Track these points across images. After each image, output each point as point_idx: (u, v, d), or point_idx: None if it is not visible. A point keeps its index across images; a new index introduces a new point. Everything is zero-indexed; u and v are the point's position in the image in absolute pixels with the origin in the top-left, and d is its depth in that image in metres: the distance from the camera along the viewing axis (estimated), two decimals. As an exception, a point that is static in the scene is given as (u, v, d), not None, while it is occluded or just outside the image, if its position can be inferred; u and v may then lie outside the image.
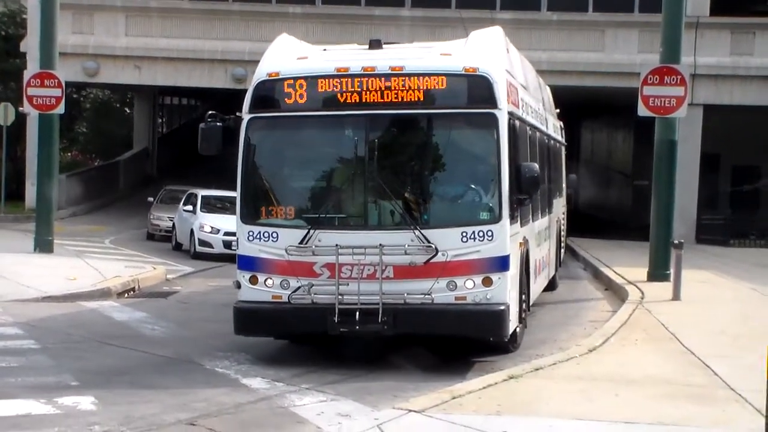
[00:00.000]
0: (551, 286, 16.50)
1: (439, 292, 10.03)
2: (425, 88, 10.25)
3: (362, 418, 8.03)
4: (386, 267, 10.03)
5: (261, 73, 10.59)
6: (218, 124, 10.99)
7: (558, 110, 18.69)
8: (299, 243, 10.15)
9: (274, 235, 10.33)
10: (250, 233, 10.43)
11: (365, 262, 10.06)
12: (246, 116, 10.59)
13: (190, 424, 8.01)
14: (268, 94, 10.57)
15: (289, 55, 10.92)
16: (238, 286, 10.50)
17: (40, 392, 8.88)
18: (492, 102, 10.23)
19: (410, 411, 7.94)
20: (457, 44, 11.03)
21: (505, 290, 10.15)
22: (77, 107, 38.73)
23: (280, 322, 10.41)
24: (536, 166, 10.76)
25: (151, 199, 27.40)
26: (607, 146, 41.92)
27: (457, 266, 10.05)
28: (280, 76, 10.47)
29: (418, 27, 28.37)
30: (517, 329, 11.10)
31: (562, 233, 18.71)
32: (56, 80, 20.13)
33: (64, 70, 22.12)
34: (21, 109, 23.88)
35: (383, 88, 10.27)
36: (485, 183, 10.37)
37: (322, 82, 10.39)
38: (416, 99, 10.27)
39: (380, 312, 9.94)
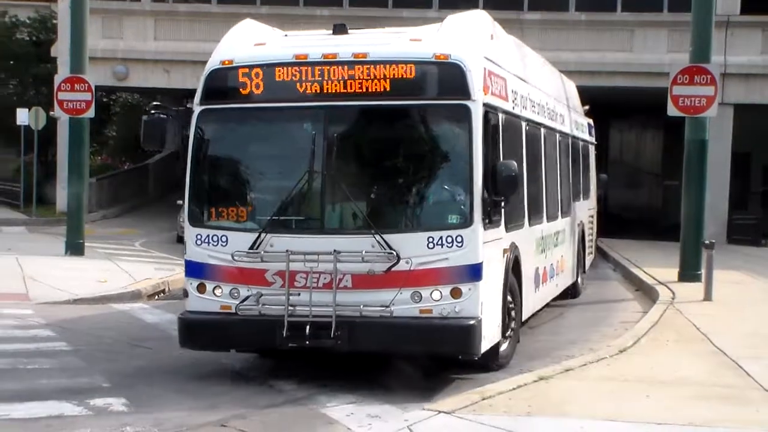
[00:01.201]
0: (572, 293, 15.86)
1: (402, 303, 9.04)
2: (392, 77, 9.22)
3: (392, 419, 8.04)
4: (344, 276, 9.10)
5: (214, 61, 9.75)
6: (162, 116, 10.16)
7: (587, 107, 18.56)
8: (249, 248, 9.27)
9: (224, 238, 9.46)
10: (198, 237, 9.57)
11: (318, 270, 9.13)
12: (197, 108, 9.74)
13: (221, 425, 8.03)
14: (221, 84, 9.69)
15: (246, 42, 10.00)
16: (186, 294, 9.68)
17: (71, 394, 8.94)
18: (464, 92, 9.16)
19: (440, 412, 7.94)
20: (430, 29, 9.98)
21: (477, 302, 9.07)
22: (107, 111, 39.03)
23: (227, 335, 9.52)
24: (514, 164, 9.43)
25: (180, 201, 27.45)
26: (636, 146, 41.73)
27: (423, 275, 9.05)
28: (234, 64, 9.61)
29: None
30: (502, 345, 10.20)
31: (589, 237, 17.69)
32: (86, 84, 20.26)
33: (94, 75, 22.30)
34: (52, 113, 24.09)
35: (346, 78, 9.29)
36: (455, 183, 9.29)
37: (279, 70, 9.45)
38: (382, 89, 9.24)
39: (333, 326, 9.01)
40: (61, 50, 28.41)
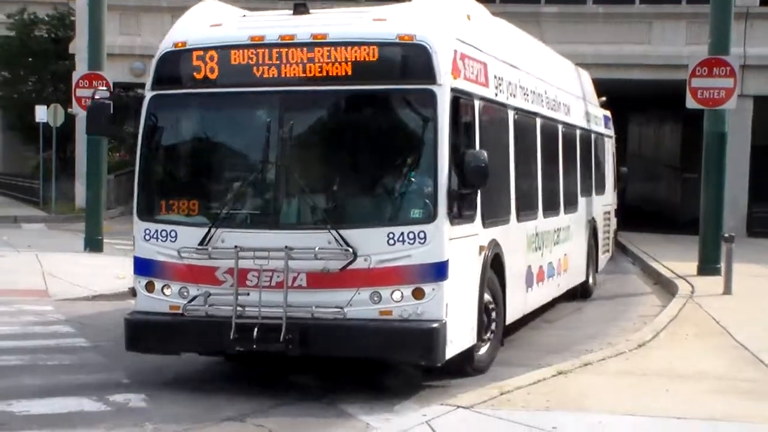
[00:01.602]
0: (583, 292, 15.25)
1: (360, 304, 8.43)
2: (353, 59, 8.55)
3: (410, 415, 8.01)
4: (298, 274, 8.50)
5: (166, 43, 9.14)
6: (107, 101, 9.46)
7: (603, 99, 18.46)
8: (198, 244, 8.70)
9: (173, 234, 8.88)
10: (147, 232, 9.00)
11: (269, 268, 8.53)
12: (147, 93, 9.17)
13: (240, 421, 8.04)
14: (174, 68, 9.07)
15: (202, 23, 9.34)
16: (134, 293, 9.19)
17: (91, 390, 8.97)
18: (429, 76, 8.47)
19: (458, 407, 7.92)
20: (397, 8, 9.17)
21: (441, 304, 8.41)
22: (125, 108, 39.09)
23: (174, 337, 8.96)
24: (484, 154, 8.64)
25: None
26: (655, 139, 41.57)
27: (383, 274, 8.42)
28: (188, 47, 8.99)
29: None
30: (481, 348, 9.68)
31: (605, 235, 16.91)
32: (104, 81, 20.37)
33: (112, 71, 22.41)
34: (70, 110, 24.21)
35: (305, 61, 8.63)
36: (419, 175, 8.63)
37: (235, 53, 8.81)
38: (343, 73, 8.58)
39: (283, 328, 8.38)
40: (79, 47, 28.49)
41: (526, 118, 11.44)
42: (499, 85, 10.31)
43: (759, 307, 13.70)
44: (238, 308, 8.56)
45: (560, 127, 13.32)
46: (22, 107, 35.33)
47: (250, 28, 9.08)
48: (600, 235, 16.35)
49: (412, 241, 8.40)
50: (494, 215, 9.98)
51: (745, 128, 26.52)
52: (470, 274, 9.23)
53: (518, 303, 11.11)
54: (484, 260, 9.56)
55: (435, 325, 8.39)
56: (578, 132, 14.63)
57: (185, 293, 8.85)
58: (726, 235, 15.40)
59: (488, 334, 9.89)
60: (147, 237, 9.03)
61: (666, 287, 16.39)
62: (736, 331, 11.39)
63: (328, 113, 9.08)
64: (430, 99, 8.50)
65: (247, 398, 8.79)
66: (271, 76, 8.76)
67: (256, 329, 8.45)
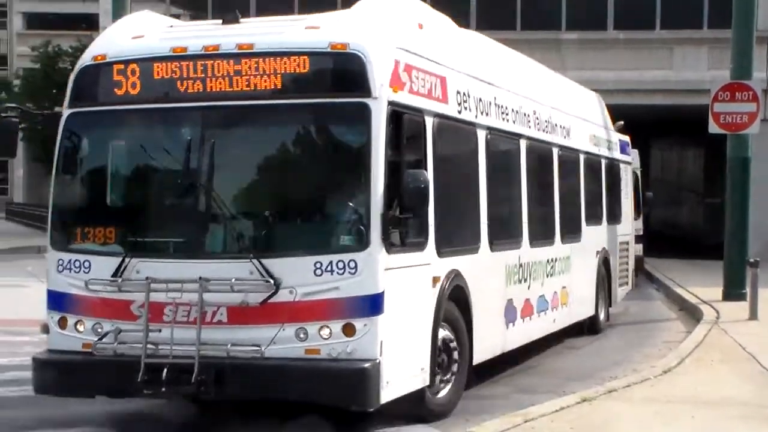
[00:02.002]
0: (591, 327, 14.40)
1: (285, 342, 7.65)
2: (283, 71, 7.81)
3: None
4: (218, 309, 7.74)
5: (86, 57, 8.43)
6: (14, 119, 8.97)
7: (621, 122, 18.37)
8: (112, 275, 7.96)
9: (86, 264, 8.11)
10: (60, 262, 8.25)
11: (182, 301, 7.76)
12: (65, 111, 8.47)
13: None
14: (93, 84, 8.36)
15: (125, 34, 8.55)
16: (46, 330, 8.46)
17: (114, 422, 8.86)
18: (363, 88, 7.68)
19: None
20: (335, 15, 8.44)
21: (374, 341, 7.55)
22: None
23: (85, 379, 8.12)
24: (423, 174, 7.80)
25: None
26: (677, 164, 41.53)
27: (309, 308, 7.63)
28: (108, 60, 8.25)
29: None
30: (440, 391, 8.87)
31: (622, 267, 16.18)
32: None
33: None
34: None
35: (231, 74, 7.91)
36: (350, 197, 7.80)
37: (158, 66, 8.07)
38: (272, 87, 7.85)
39: (196, 369, 7.56)
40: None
41: (504, 139, 10.65)
42: (465, 101, 9.48)
43: (786, 333, 13.58)
44: (150, 347, 7.76)
45: (556, 150, 12.48)
46: (46, 139, 35.71)
47: (174, 39, 8.33)
48: (614, 267, 15.49)
49: (341, 272, 7.57)
50: (455, 243, 9.16)
51: (769, 153, 26.40)
52: (419, 309, 8.35)
53: (493, 340, 10.19)
54: (439, 293, 8.65)
55: (366, 365, 7.51)
56: (582, 156, 13.78)
57: (99, 329, 8.07)
58: (751, 260, 15.33)
59: (448, 375, 8.98)
60: (60, 268, 8.28)
61: (691, 313, 16.31)
62: (762, 357, 11.30)
63: (254, 131, 8.25)
64: (364, 113, 7.68)
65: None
66: (195, 90, 8.02)
67: (165, 370, 7.63)
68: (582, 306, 13.76)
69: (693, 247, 29.97)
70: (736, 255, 16.83)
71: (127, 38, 8.46)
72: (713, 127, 16.95)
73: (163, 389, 7.68)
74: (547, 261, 12.01)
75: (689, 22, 28.08)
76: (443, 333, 8.80)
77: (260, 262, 7.64)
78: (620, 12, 28.42)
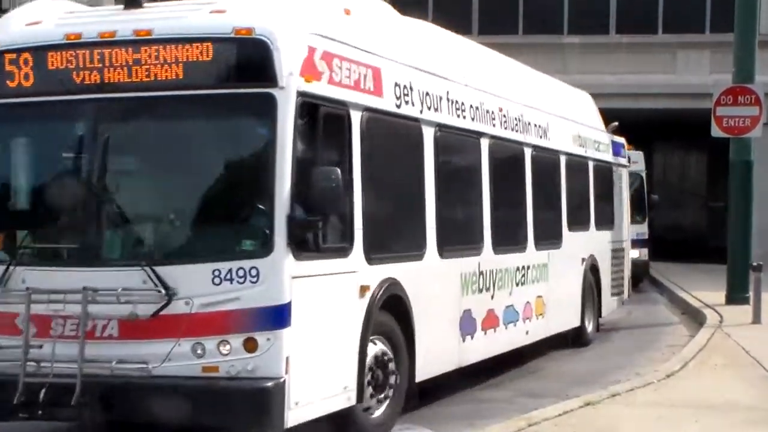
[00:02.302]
0: (576, 340, 13.67)
1: (181, 359, 6.91)
2: (184, 59, 7.09)
3: None
4: (108, 322, 6.99)
5: None
6: None
7: (616, 124, 18.21)
8: None
9: None
10: None
11: (65, 314, 7.01)
12: None
13: None
14: None
15: (20, 20, 7.81)
16: None
17: None
18: (269, 77, 6.96)
19: None
20: None
21: (279, 357, 6.81)
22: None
23: None
24: (336, 172, 6.99)
25: None
26: (680, 168, 41.59)
27: (207, 321, 6.90)
28: (0, 49, 7.52)
29: (486, 53, 28.53)
30: (374, 411, 8.12)
31: (614, 274, 15.32)
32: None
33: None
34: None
35: (130, 63, 7.17)
36: (254, 197, 7.08)
37: (52, 55, 7.33)
38: (173, 76, 7.11)
39: (77, 389, 6.79)
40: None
41: (459, 137, 9.96)
42: (406, 95, 8.78)
43: (789, 337, 13.60)
44: (32, 364, 7.00)
45: (529, 150, 11.74)
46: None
47: (69, 24, 7.55)
48: (605, 275, 14.69)
49: (242, 280, 6.85)
50: (392, 249, 8.50)
51: (772, 157, 26.46)
52: (341, 321, 7.61)
53: (443, 354, 9.47)
54: (369, 304, 7.91)
55: (269, 384, 6.76)
56: (563, 158, 12.99)
57: None
58: (754, 264, 15.38)
59: (385, 392, 8.24)
60: None
61: (694, 317, 16.35)
62: (766, 361, 11.28)
63: (152, 126, 7.52)
64: (269, 105, 6.97)
65: None
66: (92, 82, 7.28)
67: (43, 390, 6.86)
68: (564, 316, 13.00)
69: (696, 251, 30.04)
70: (740, 259, 16.85)
71: (21, 25, 7.70)
72: (716, 131, 16.99)
73: (40, 411, 6.93)
74: (517, 269, 11.24)
75: (691, 26, 28.15)
76: (376, 347, 8.08)
77: (153, 270, 6.91)
78: (622, 16, 28.50)
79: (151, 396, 6.90)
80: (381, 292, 8.08)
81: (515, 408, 9.46)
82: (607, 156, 15.30)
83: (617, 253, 15.49)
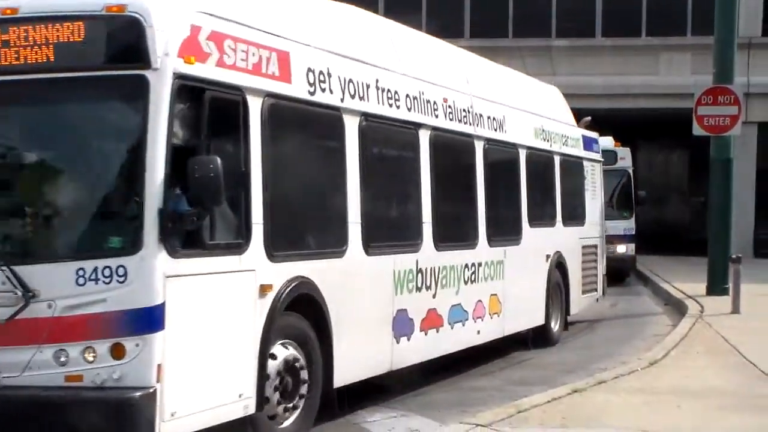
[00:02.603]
0: (539, 340, 12.98)
1: (42, 367, 6.22)
2: (55, 40, 6.44)
3: None
4: None
5: None
6: None
7: (589, 118, 17.94)
8: None
9: None
10: None
11: None
12: None
13: None
14: None
15: None
16: None
17: None
18: (142, 58, 6.32)
19: (477, 425, 7.93)
20: None
21: (149, 365, 6.13)
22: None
23: None
24: (216, 161, 6.31)
25: None
26: (663, 165, 41.87)
27: (71, 325, 6.22)
28: None
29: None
30: (283, 420, 7.53)
31: (585, 271, 14.59)
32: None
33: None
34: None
35: None
36: (121, 189, 6.48)
37: None
38: (43, 59, 6.47)
39: None
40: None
41: (390, 128, 9.24)
42: (322, 81, 8.04)
43: (766, 326, 13.88)
44: None
45: (481, 144, 11.04)
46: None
47: None
48: (573, 272, 13.96)
49: (108, 280, 6.17)
50: (302, 246, 7.87)
51: (750, 154, 26.91)
52: (234, 324, 6.92)
53: (370, 357, 8.82)
54: (272, 305, 7.22)
55: (137, 394, 6.06)
56: (523, 152, 12.26)
57: None
58: (733, 256, 15.68)
59: (296, 400, 7.65)
60: None
61: (676, 307, 16.56)
62: (745, 349, 11.53)
63: (16, 112, 6.88)
64: (141, 88, 6.33)
65: None
66: None
67: None
68: (525, 315, 12.35)
69: (678, 244, 30.27)
70: (719, 252, 17.16)
71: None
72: (697, 130, 17.27)
73: None
74: (466, 266, 10.59)
75: (674, 29, 28.46)
76: (284, 352, 7.44)
77: (11, 269, 6.27)
78: (608, 20, 28.77)
79: (5, 409, 6.24)
80: (287, 292, 7.37)
81: (505, 395, 9.59)
82: (577, 151, 14.58)
83: (589, 250, 14.80)
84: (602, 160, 16.02)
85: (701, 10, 25.74)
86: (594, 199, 15.15)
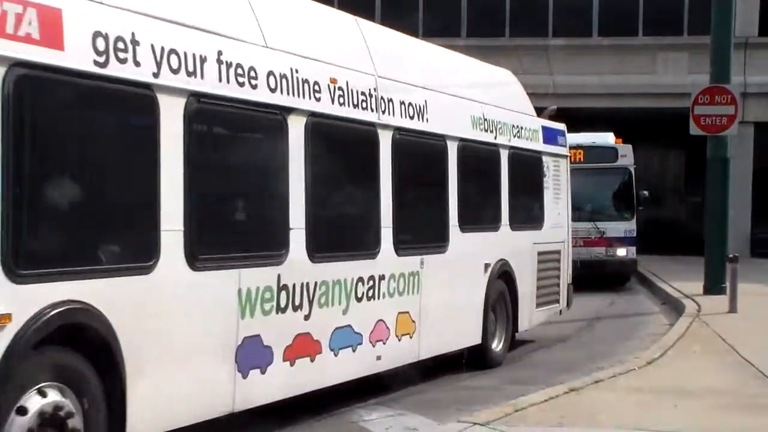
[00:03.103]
0: (476, 361, 11.35)
1: None
2: None
3: None
4: None
5: None
6: None
7: (554, 107, 16.07)
8: None
9: None
10: None
11: None
12: None
13: None
14: None
15: None
16: None
17: None
18: None
19: (475, 424, 7.98)
20: None
21: None
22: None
23: None
24: None
25: None
26: (660, 164, 41.96)
27: None
28: None
29: (473, 55, 28.65)
30: None
31: (541, 281, 12.75)
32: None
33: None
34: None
35: None
36: None
37: None
38: None
39: None
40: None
41: (240, 111, 7.47)
42: (121, 50, 6.26)
43: (763, 325, 13.92)
44: None
45: (388, 133, 9.42)
46: None
47: None
48: (525, 283, 12.21)
49: None
50: (76, 261, 6.00)
51: (747, 153, 26.98)
52: None
53: (197, 398, 7.06)
54: (12, 341, 5.46)
55: None
56: (453, 144, 10.57)
57: None
58: (730, 256, 15.72)
59: None
60: None
61: (673, 306, 16.61)
62: (741, 348, 11.56)
63: None
64: None
65: (273, 416, 8.52)
66: None
67: None
68: (452, 334, 10.73)
69: (675, 244, 30.36)
70: (716, 251, 17.22)
71: None
72: (694, 129, 17.34)
73: None
74: (360, 280, 8.93)
75: (670, 29, 28.55)
76: (38, 402, 5.72)
77: None
78: (605, 19, 28.87)
79: None
80: (45, 323, 5.64)
81: (502, 394, 9.60)
82: (534, 144, 12.66)
83: (549, 257, 12.97)
84: (568, 155, 13.94)
85: (698, 10, 25.80)
86: (557, 200, 13.28)
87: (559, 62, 26.33)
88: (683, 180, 35.97)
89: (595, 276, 19.27)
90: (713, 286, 17.09)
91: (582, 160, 19.58)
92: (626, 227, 21.30)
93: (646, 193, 21.01)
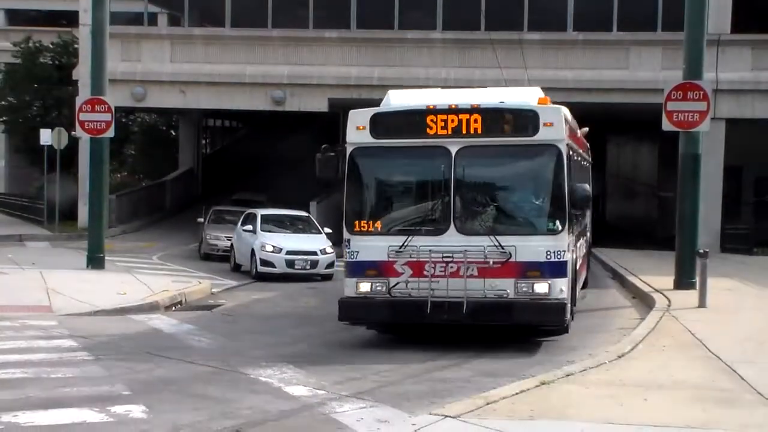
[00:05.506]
0: None
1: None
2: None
3: (400, 424, 8.22)
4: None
5: None
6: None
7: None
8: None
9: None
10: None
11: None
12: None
13: (236, 431, 8.19)
14: None
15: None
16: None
17: (93, 401, 9.12)
18: None
19: (446, 417, 8.09)
20: None
21: None
22: (125, 130, 39.48)
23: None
24: None
25: (200, 219, 27.50)
26: (632, 160, 42.16)
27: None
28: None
29: (450, 48, 28.96)
30: None
31: None
32: (106, 105, 20.92)
33: (114, 96, 22.92)
34: (73, 133, 24.55)
35: None
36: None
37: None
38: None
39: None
40: (82, 73, 29.39)
41: None
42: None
43: (732, 320, 14.06)
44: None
45: None
46: (27, 131, 35.83)
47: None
48: None
49: None
50: None
51: (718, 149, 27.16)
52: None
53: None
54: None
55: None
56: None
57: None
58: (700, 251, 15.82)
59: None
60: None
61: (644, 301, 16.71)
62: (710, 343, 11.70)
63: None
64: None
65: (243, 409, 8.92)
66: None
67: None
68: None
69: (646, 238, 30.51)
70: (687, 246, 17.31)
71: None
72: (666, 125, 17.41)
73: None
74: None
75: (644, 24, 28.70)
76: None
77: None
78: (579, 14, 29.00)
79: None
80: None
81: (473, 387, 9.72)
82: None
83: None
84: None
85: (672, 7, 25.94)
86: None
87: (534, 57, 26.40)
88: (655, 175, 36.18)
89: (491, 327, 12.65)
90: (683, 280, 17.20)
91: (476, 132, 12.28)
92: (549, 246, 12.08)
93: (586, 187, 12.51)
